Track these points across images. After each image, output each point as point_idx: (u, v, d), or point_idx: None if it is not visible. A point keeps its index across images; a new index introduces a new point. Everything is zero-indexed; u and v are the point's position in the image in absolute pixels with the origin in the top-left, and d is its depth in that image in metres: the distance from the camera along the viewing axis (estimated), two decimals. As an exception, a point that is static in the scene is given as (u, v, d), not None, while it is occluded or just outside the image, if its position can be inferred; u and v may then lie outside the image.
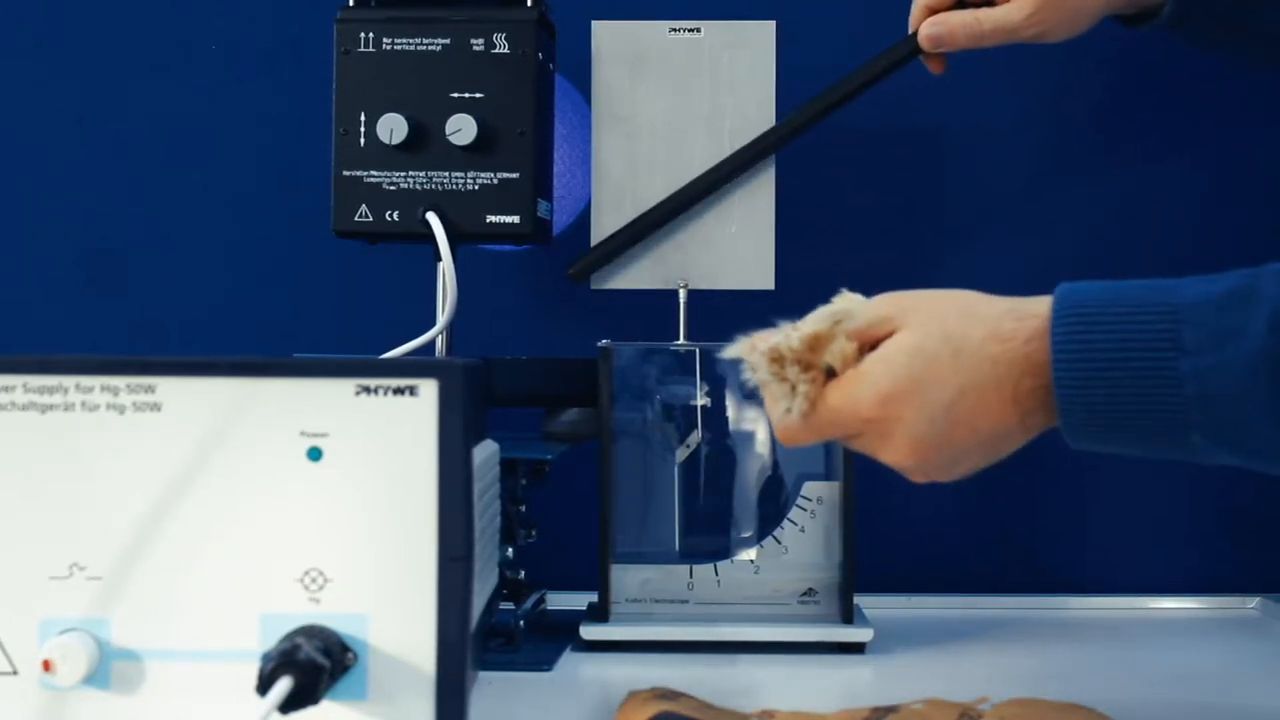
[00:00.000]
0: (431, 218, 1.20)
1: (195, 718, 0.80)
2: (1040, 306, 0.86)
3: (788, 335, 0.90)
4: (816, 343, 0.89)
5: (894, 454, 0.89)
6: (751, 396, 1.20)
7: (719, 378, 1.24)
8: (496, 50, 1.21)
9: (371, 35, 1.22)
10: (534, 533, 1.21)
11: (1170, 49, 1.46)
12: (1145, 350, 0.82)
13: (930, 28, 1.21)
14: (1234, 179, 1.47)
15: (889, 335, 0.89)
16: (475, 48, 1.21)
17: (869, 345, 0.90)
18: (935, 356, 0.87)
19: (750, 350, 0.91)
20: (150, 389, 0.82)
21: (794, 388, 0.89)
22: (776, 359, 0.90)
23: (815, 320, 0.90)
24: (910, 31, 1.23)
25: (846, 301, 0.92)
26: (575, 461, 1.25)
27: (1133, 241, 1.45)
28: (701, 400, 1.23)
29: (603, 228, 1.26)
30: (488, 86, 1.21)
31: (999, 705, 0.95)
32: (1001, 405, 0.87)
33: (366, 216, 1.22)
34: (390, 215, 1.21)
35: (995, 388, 0.86)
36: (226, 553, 0.81)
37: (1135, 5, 1.19)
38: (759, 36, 1.26)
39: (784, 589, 1.22)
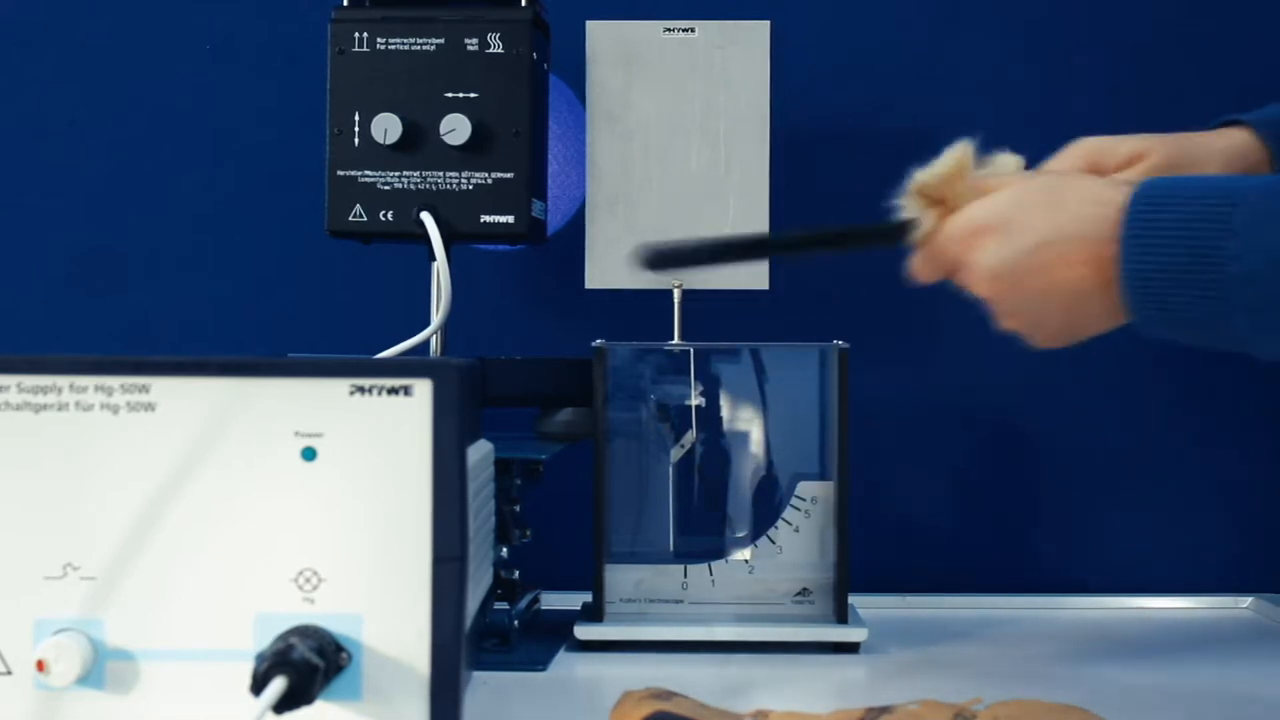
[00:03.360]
0: (426, 217, 1.20)
1: (189, 718, 0.80)
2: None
3: (929, 170, 1.00)
4: (950, 178, 0.99)
5: (976, 285, 0.98)
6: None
7: (713, 378, 1.24)
8: (491, 50, 1.21)
9: (366, 35, 1.21)
10: (528, 532, 1.21)
11: (1170, 58, 1.46)
12: (1201, 231, 0.88)
13: None
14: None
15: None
16: (469, 47, 1.21)
17: None
18: (1031, 203, 0.95)
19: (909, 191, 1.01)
20: (144, 389, 0.82)
21: (922, 218, 1.00)
22: (917, 192, 1.00)
23: (946, 158, 1.00)
24: None
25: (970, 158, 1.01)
26: (570, 461, 1.25)
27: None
28: (696, 400, 1.23)
29: (597, 227, 1.26)
30: (482, 86, 1.21)
31: (993, 705, 0.94)
32: (1084, 261, 0.93)
33: (361, 216, 1.22)
34: (384, 215, 1.21)
35: (1081, 242, 0.92)
36: (221, 553, 0.81)
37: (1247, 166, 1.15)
38: (753, 36, 1.26)
39: (778, 589, 1.22)
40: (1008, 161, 1.02)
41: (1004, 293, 0.96)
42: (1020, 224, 0.95)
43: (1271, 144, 1.13)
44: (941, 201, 1.00)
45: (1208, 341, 0.91)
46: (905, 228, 1.01)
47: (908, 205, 1.01)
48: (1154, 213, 0.90)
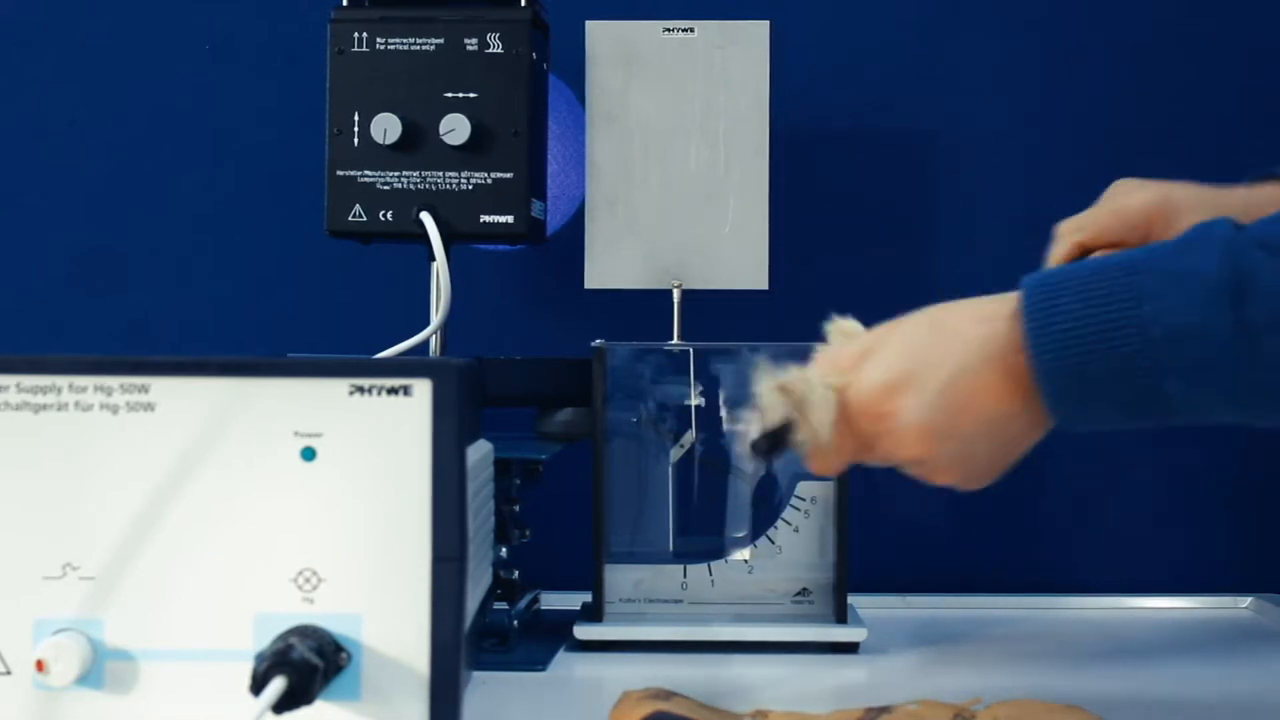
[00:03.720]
0: (425, 218, 1.20)
1: (189, 718, 0.80)
2: (1018, 291, 0.88)
3: (792, 372, 0.92)
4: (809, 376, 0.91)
5: (904, 449, 0.90)
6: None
7: (712, 378, 1.24)
8: (490, 50, 1.21)
9: (365, 35, 1.21)
10: (528, 532, 1.21)
11: (1168, 56, 1.46)
12: (1109, 303, 0.84)
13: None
14: (1235, 179, 1.47)
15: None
16: (469, 47, 1.21)
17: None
18: (922, 345, 0.89)
19: (769, 389, 0.92)
20: (144, 389, 0.82)
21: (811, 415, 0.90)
22: (785, 391, 0.91)
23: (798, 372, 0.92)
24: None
25: (836, 335, 0.95)
26: (569, 461, 1.25)
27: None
28: (695, 400, 1.23)
29: (597, 227, 1.26)
30: (481, 86, 1.21)
31: (993, 706, 0.94)
32: (999, 383, 0.88)
33: (360, 216, 1.22)
34: (384, 215, 1.21)
35: (987, 365, 0.88)
36: (220, 553, 0.81)
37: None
38: (753, 36, 1.25)
39: (778, 589, 1.22)
40: (847, 325, 0.95)
41: (938, 445, 0.90)
42: (923, 370, 0.88)
43: None
44: (804, 399, 0.91)
45: (1136, 418, 0.86)
46: (786, 430, 0.91)
47: (769, 405, 0.92)
48: (1051, 305, 0.85)
